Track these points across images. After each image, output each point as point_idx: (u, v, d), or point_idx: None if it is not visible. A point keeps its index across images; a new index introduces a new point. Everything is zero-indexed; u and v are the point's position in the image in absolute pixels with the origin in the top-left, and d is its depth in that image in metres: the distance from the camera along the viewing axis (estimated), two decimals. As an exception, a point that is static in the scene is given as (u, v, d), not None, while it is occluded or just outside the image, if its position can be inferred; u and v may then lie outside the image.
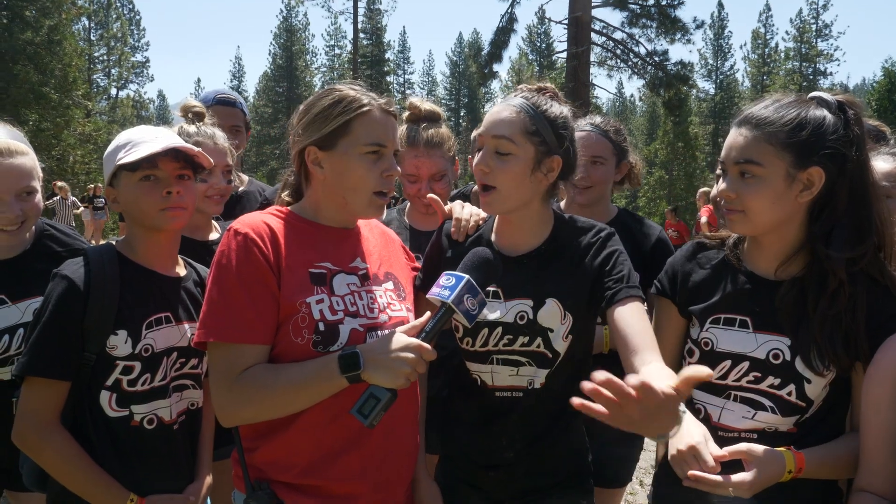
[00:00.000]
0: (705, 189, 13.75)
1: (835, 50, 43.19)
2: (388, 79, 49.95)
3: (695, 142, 37.60)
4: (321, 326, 1.53)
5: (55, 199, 16.19)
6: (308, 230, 1.66)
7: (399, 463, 1.67)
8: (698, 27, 22.51)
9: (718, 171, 1.69)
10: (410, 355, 1.44)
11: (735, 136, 1.59)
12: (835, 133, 1.53)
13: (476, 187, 3.42)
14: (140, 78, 46.34)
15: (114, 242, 1.85)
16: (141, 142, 1.75)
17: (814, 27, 42.96)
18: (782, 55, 45.17)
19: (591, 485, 1.86)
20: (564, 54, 21.38)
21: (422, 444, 1.85)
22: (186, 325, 1.83)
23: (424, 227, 2.51)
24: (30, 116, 22.53)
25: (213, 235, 2.41)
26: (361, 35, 44.83)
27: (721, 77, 48.03)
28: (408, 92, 58.42)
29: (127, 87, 45.56)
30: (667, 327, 1.79)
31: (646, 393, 1.13)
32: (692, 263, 1.78)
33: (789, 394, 1.57)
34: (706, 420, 1.66)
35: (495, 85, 45.62)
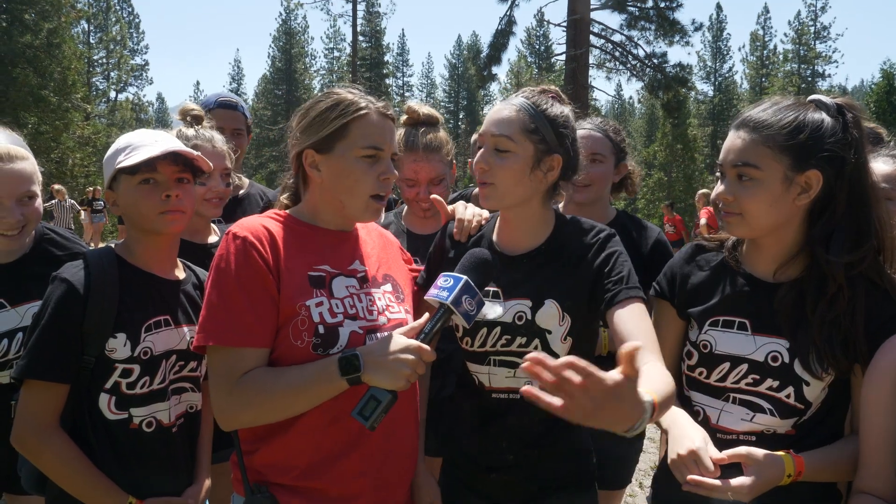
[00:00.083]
0: (705, 191, 13.77)
1: (833, 52, 43.33)
2: (387, 81, 49.99)
3: (693, 144, 37.67)
4: (321, 329, 1.54)
5: (53, 202, 16.20)
6: (306, 233, 1.66)
7: (399, 464, 1.67)
8: (697, 29, 22.55)
9: (717, 174, 1.70)
10: (410, 357, 1.44)
11: (733, 138, 1.60)
12: (833, 136, 1.53)
13: (476, 190, 3.44)
14: (139, 81, 46.42)
15: (113, 245, 1.86)
16: (140, 145, 1.75)
17: (812, 29, 43.06)
18: (781, 57, 45.28)
19: (595, 487, 1.86)
20: (563, 56, 21.40)
21: (421, 443, 1.85)
22: (185, 329, 1.84)
23: (422, 231, 2.52)
24: (29, 119, 22.57)
25: (212, 238, 2.41)
26: (360, 38, 44.89)
27: (720, 79, 48.14)
28: (407, 94, 58.56)
29: (126, 90, 45.62)
30: (665, 329, 1.79)
31: (582, 375, 1.07)
32: (691, 265, 1.78)
33: (788, 396, 1.57)
34: (705, 422, 1.66)
35: (494, 87, 45.62)
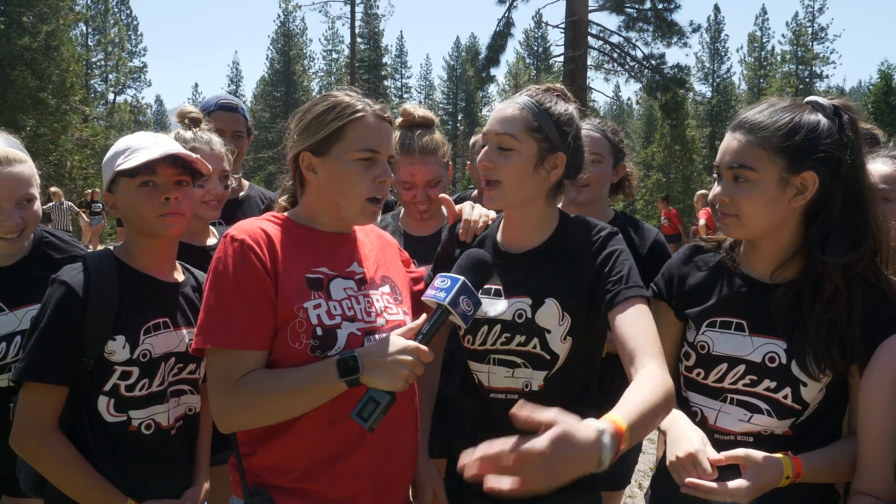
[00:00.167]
0: (703, 192, 13.80)
1: (831, 53, 43.34)
2: (385, 83, 50.03)
3: (692, 145, 37.73)
4: (319, 331, 1.54)
5: (51, 204, 16.19)
6: (304, 236, 1.67)
7: (399, 465, 1.67)
8: (695, 31, 22.56)
9: (714, 175, 1.70)
10: (408, 358, 1.44)
11: (729, 140, 1.60)
12: (829, 137, 1.54)
13: (475, 192, 3.45)
14: (137, 83, 46.38)
15: (112, 248, 1.86)
16: (140, 148, 1.76)
17: (810, 30, 43.09)
18: (778, 58, 45.31)
19: (598, 487, 1.85)
20: (561, 58, 21.38)
21: (424, 441, 1.85)
22: (184, 331, 1.84)
23: (419, 233, 2.53)
24: (27, 122, 22.56)
25: (211, 241, 2.41)
26: (359, 39, 44.92)
27: (718, 80, 48.16)
28: (405, 96, 58.53)
29: (124, 92, 45.60)
30: (663, 331, 1.78)
31: (513, 454, 1.08)
32: (688, 266, 1.78)
33: (785, 397, 1.57)
34: (702, 423, 1.66)
35: (493, 89, 45.68)
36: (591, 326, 1.72)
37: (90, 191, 19.27)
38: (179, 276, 1.93)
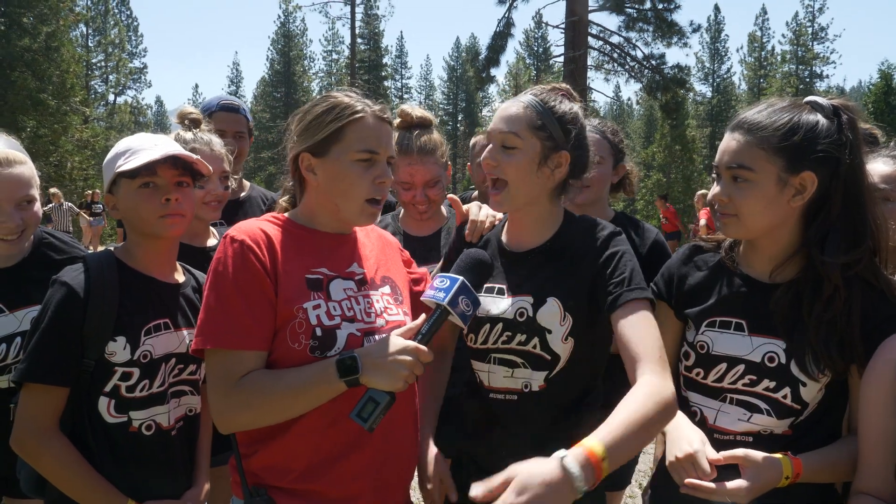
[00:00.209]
0: (703, 192, 13.79)
1: (831, 53, 43.32)
2: (385, 83, 50.06)
3: (692, 145, 37.75)
4: (318, 332, 1.54)
5: (51, 205, 16.20)
6: (304, 236, 1.67)
7: (399, 465, 1.67)
8: (695, 31, 22.57)
9: (713, 175, 1.70)
10: (408, 358, 1.45)
11: (728, 140, 1.60)
12: (828, 137, 1.54)
13: (476, 193, 3.45)
14: (138, 84, 46.42)
15: (112, 249, 1.86)
16: (140, 149, 1.76)
17: (810, 30, 43.08)
18: (779, 58, 45.30)
19: (601, 488, 1.85)
20: (562, 58, 21.38)
21: (430, 430, 1.85)
22: (185, 332, 1.84)
23: (419, 233, 2.53)
24: (27, 123, 22.58)
25: (211, 242, 2.41)
26: (359, 40, 44.95)
27: (718, 80, 48.15)
28: (405, 97, 58.55)
29: (125, 93, 45.63)
30: (663, 331, 1.77)
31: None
32: (688, 266, 1.78)
33: (784, 397, 1.57)
34: (702, 422, 1.66)
35: (493, 89, 45.71)
36: (593, 328, 1.71)
37: (90, 192, 19.29)
38: (180, 277, 1.93)
